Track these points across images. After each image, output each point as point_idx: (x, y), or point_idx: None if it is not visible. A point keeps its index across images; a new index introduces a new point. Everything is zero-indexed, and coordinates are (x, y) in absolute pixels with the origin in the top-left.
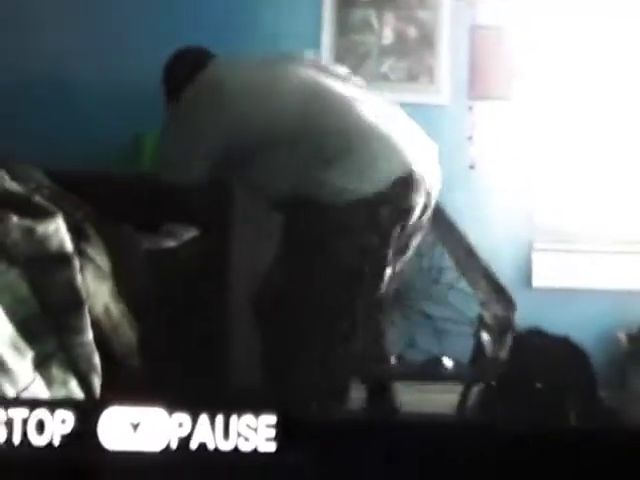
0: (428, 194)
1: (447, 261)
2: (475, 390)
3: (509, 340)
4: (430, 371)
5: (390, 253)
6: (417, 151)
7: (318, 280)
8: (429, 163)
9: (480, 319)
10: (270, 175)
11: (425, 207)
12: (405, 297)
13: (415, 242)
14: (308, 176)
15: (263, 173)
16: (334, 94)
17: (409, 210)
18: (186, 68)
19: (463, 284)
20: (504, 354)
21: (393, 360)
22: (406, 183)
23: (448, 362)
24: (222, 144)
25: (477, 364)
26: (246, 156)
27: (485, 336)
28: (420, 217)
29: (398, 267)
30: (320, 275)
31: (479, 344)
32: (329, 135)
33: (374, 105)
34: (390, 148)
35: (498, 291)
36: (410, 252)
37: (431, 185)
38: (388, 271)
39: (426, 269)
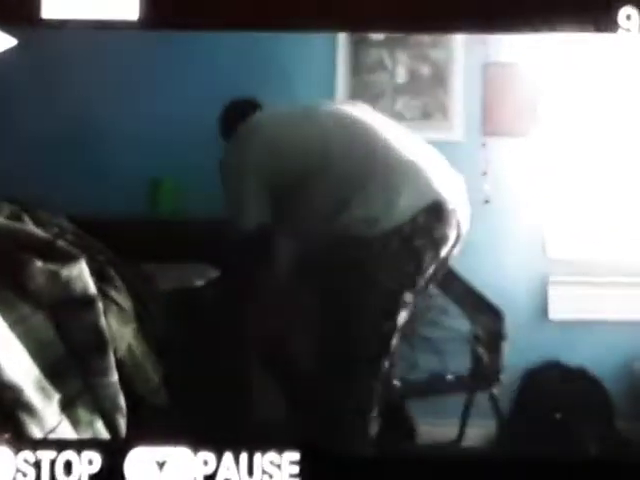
0: (458, 225)
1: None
2: (490, 424)
3: (503, 348)
4: (433, 386)
5: (422, 281)
6: (444, 181)
7: (358, 309)
8: (457, 194)
9: (473, 334)
10: (306, 212)
11: (457, 238)
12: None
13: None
14: (341, 210)
15: (299, 211)
16: (361, 125)
17: (442, 240)
18: (236, 118)
19: (453, 306)
20: (500, 362)
21: (396, 382)
22: (436, 212)
23: (449, 376)
24: (262, 186)
25: (476, 375)
26: (284, 196)
27: (480, 349)
28: (452, 249)
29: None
30: (361, 304)
31: (476, 357)
32: (358, 166)
33: (401, 136)
34: (418, 177)
35: (484, 305)
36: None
37: (461, 216)
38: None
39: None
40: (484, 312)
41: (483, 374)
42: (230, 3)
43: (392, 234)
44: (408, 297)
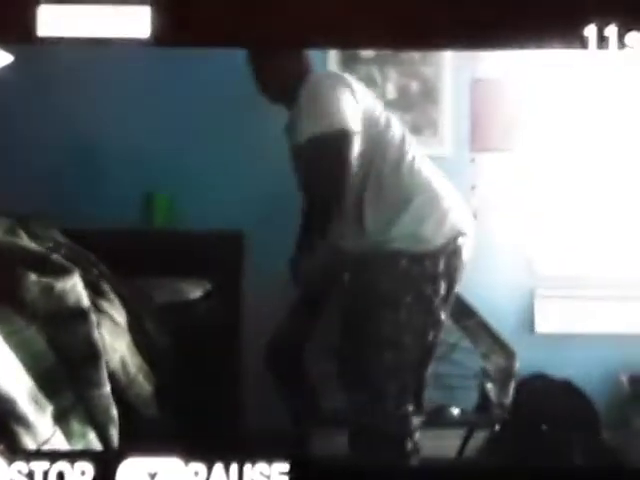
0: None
1: (448, 322)
2: (479, 435)
3: (512, 387)
4: (438, 418)
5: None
6: (464, 209)
7: (406, 319)
8: (469, 219)
9: (483, 371)
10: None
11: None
12: None
13: None
14: (389, 226)
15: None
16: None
17: (465, 263)
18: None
19: (466, 342)
20: (507, 401)
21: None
22: (468, 235)
23: (455, 410)
24: None
25: (482, 411)
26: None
27: (489, 385)
28: None
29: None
30: (409, 314)
31: (483, 393)
32: (405, 185)
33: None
34: (457, 201)
35: (498, 343)
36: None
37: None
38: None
39: None
40: (497, 351)
41: (489, 410)
42: (221, 20)
43: (440, 251)
44: (445, 313)
